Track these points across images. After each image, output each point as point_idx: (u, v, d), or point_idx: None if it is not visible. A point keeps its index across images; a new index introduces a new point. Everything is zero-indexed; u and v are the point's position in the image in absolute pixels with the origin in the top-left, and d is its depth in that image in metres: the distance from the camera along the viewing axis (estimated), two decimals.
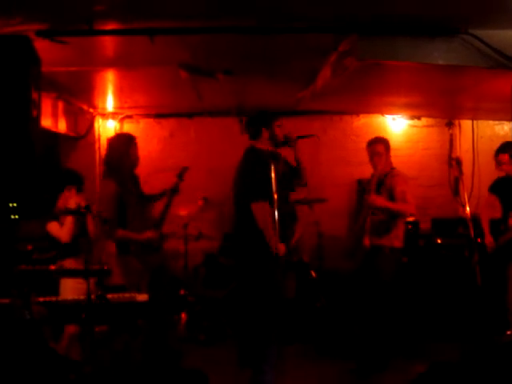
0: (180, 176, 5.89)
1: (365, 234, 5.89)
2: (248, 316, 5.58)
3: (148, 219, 5.70)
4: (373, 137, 6.23)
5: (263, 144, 5.39)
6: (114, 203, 5.31)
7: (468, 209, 5.34)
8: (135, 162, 5.64)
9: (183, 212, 5.62)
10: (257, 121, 5.47)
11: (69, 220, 5.25)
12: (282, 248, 5.04)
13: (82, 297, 4.27)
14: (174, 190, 5.81)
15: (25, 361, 3.90)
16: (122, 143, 5.64)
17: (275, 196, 4.70)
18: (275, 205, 4.68)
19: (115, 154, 5.54)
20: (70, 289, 4.99)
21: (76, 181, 5.52)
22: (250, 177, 5.35)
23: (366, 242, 5.88)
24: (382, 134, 8.36)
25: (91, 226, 5.34)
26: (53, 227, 5.36)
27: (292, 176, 5.63)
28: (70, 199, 5.25)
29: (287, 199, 5.41)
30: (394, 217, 5.84)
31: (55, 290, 5.03)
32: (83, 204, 4.88)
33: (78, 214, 4.97)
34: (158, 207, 5.85)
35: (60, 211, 5.25)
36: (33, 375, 3.84)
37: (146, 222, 5.64)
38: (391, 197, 5.83)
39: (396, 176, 5.91)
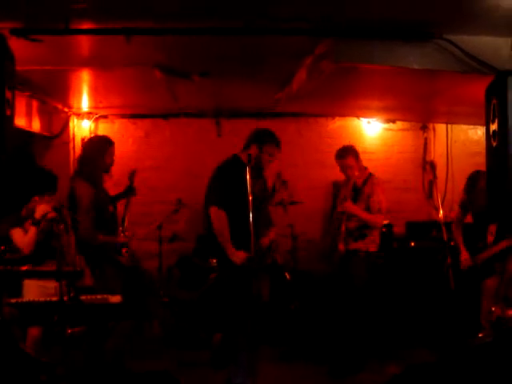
0: (130, 178, 5.93)
1: (340, 238, 5.95)
2: (220, 318, 5.60)
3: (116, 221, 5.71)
4: (341, 147, 6.25)
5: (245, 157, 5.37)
6: (92, 205, 5.29)
7: (441, 212, 5.38)
8: (110, 165, 5.64)
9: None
10: (253, 135, 5.46)
11: (32, 231, 4.94)
12: (239, 255, 5.06)
13: (53, 298, 4.23)
14: (127, 192, 5.84)
15: None
16: (100, 145, 5.62)
17: (249, 201, 4.67)
18: (246, 211, 4.65)
19: (92, 155, 5.53)
20: (34, 290, 4.88)
21: (50, 185, 5.23)
22: (215, 181, 5.39)
23: (341, 247, 5.95)
24: (357, 138, 8.51)
25: (63, 234, 5.11)
26: (16, 235, 5.06)
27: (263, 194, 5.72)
28: (39, 206, 4.99)
29: (260, 206, 5.40)
30: (370, 226, 5.93)
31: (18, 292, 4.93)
32: (50, 214, 4.78)
33: (46, 221, 4.83)
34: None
35: (25, 218, 5.01)
36: (3, 376, 3.79)
37: (116, 224, 5.65)
38: (367, 204, 5.90)
39: (375, 185, 5.99)
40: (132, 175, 5.95)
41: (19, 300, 4.21)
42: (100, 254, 5.33)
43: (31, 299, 4.35)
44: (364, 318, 5.84)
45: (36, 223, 4.85)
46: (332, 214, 6.37)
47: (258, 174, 5.37)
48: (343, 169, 6.11)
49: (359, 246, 5.95)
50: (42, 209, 4.89)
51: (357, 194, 6.01)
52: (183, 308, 7.18)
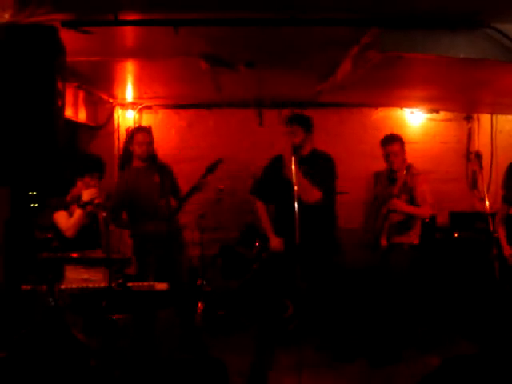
0: (211, 169, 5.92)
1: (382, 233, 5.94)
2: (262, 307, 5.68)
3: (162, 211, 5.77)
4: (388, 134, 6.24)
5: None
6: (118, 194, 5.40)
7: (487, 203, 5.33)
8: (144, 153, 5.72)
9: None
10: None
11: (78, 213, 5.00)
12: (275, 242, 5.21)
13: (102, 285, 4.32)
14: (196, 188, 5.86)
15: (48, 347, 3.95)
16: (128, 134, 5.75)
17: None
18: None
19: (124, 144, 5.70)
20: (76, 277, 4.94)
21: (98, 167, 5.28)
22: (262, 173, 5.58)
23: (384, 242, 5.93)
24: (400, 128, 8.45)
25: (101, 221, 5.16)
26: (60, 218, 5.10)
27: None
28: (86, 190, 5.02)
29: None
30: (413, 217, 5.89)
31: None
32: (97, 199, 4.84)
33: (93, 205, 4.89)
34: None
35: (73, 201, 5.07)
36: (55, 361, 3.89)
37: (157, 213, 5.72)
38: (411, 196, 5.87)
39: (416, 175, 5.95)
40: (214, 166, 5.96)
41: (70, 286, 4.29)
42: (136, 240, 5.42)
43: (80, 286, 4.45)
44: (406, 309, 5.84)
45: (82, 206, 4.90)
46: (374, 207, 6.32)
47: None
48: (387, 156, 6.07)
49: (402, 240, 5.94)
50: (89, 192, 4.93)
51: (393, 185, 5.98)
52: (225, 297, 7.24)
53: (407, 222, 5.91)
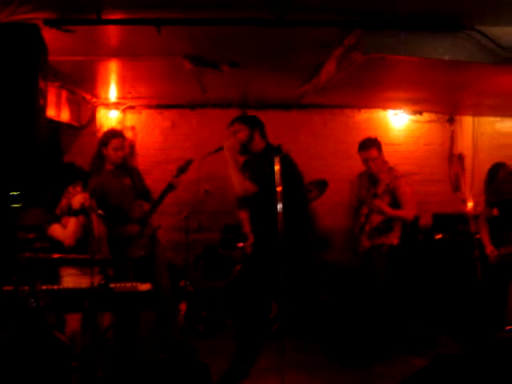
0: (183, 169, 5.90)
1: (364, 234, 5.97)
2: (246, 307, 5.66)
3: (135, 213, 5.76)
4: (363, 139, 6.25)
5: None
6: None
7: (469, 204, 5.35)
8: (119, 157, 5.69)
9: None
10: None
11: (72, 222, 4.93)
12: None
13: (84, 285, 4.29)
14: (170, 186, 5.85)
15: (29, 348, 3.93)
16: (103, 138, 5.72)
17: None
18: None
19: (97, 148, 5.66)
20: (70, 278, 4.92)
21: (80, 176, 5.20)
22: None
23: (366, 243, 5.96)
24: (383, 129, 8.51)
25: (95, 223, 5.12)
26: (56, 231, 5.03)
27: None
28: (75, 198, 4.93)
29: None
30: (393, 219, 5.92)
31: (57, 279, 4.99)
32: (87, 202, 4.81)
33: (83, 213, 4.86)
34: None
35: (63, 213, 5.00)
36: (37, 362, 3.86)
37: (130, 215, 5.71)
38: (394, 198, 5.90)
39: (399, 178, 5.97)
40: (185, 166, 5.95)
41: (52, 287, 4.26)
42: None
43: (67, 286, 4.42)
44: (389, 310, 5.86)
45: (74, 214, 4.86)
46: (357, 209, 6.34)
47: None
48: (366, 161, 6.10)
49: (383, 241, 5.96)
50: (77, 199, 4.89)
51: (375, 186, 6.00)
52: (208, 298, 7.22)
53: (388, 224, 5.93)
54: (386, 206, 5.88)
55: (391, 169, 6.04)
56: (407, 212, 5.93)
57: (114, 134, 5.79)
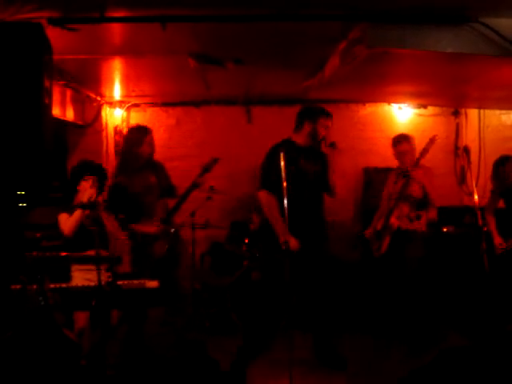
0: (207, 168, 5.91)
1: (392, 215, 6.00)
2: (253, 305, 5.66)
3: (159, 211, 5.77)
4: (397, 134, 6.47)
5: (302, 138, 5.44)
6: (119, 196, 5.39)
7: (476, 197, 5.34)
8: (150, 154, 5.70)
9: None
10: (302, 113, 5.52)
11: (77, 213, 4.97)
12: (294, 243, 5.08)
13: (92, 283, 4.30)
14: (195, 185, 5.85)
15: (38, 347, 3.94)
16: (137, 136, 5.71)
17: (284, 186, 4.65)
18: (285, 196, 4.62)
19: (130, 146, 5.64)
20: (81, 276, 4.94)
21: (92, 171, 5.19)
22: (264, 164, 5.44)
23: (393, 221, 5.98)
24: (388, 123, 8.50)
25: (105, 218, 5.17)
26: (61, 218, 5.10)
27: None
28: (84, 192, 5.00)
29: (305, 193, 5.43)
30: (424, 205, 5.96)
31: (65, 277, 5.00)
32: (93, 198, 4.84)
33: (88, 207, 4.88)
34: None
35: (76, 205, 5.00)
36: (46, 361, 3.88)
37: (154, 213, 5.71)
38: (424, 192, 6.00)
39: (427, 170, 6.16)
40: (210, 165, 5.95)
41: (60, 285, 4.27)
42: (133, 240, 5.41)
43: (75, 285, 4.43)
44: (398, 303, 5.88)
45: (82, 206, 4.89)
46: (362, 199, 6.37)
47: (314, 154, 5.42)
48: (399, 155, 6.24)
49: (416, 227, 6.04)
50: (86, 194, 4.94)
51: (407, 180, 6.05)
52: (215, 294, 7.23)
53: (418, 210, 6.01)
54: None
55: (418, 160, 6.07)
56: (434, 211, 6.05)
57: (146, 130, 5.82)
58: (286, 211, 4.55)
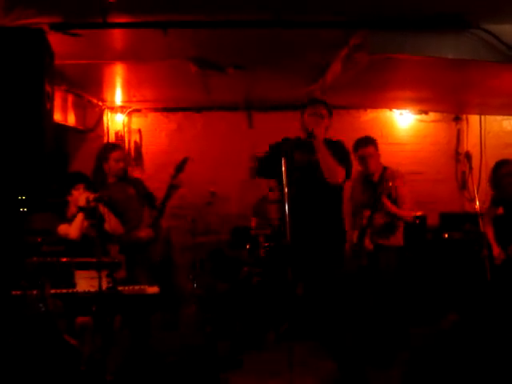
0: (179, 168, 5.90)
1: (366, 237, 5.88)
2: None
3: (146, 217, 5.77)
4: (360, 137, 6.04)
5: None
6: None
7: (477, 203, 5.33)
8: (120, 169, 5.70)
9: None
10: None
11: (79, 216, 4.97)
12: None
13: (93, 289, 4.29)
14: (172, 187, 5.84)
15: (38, 352, 3.93)
16: (101, 152, 5.73)
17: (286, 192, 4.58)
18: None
19: (97, 162, 5.67)
20: (84, 282, 4.91)
21: (81, 180, 5.25)
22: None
23: (368, 243, 5.87)
24: (389, 129, 8.48)
25: (107, 217, 5.15)
26: (62, 228, 5.12)
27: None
28: (80, 197, 4.96)
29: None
30: (397, 219, 5.84)
31: (65, 283, 4.99)
32: (91, 197, 4.83)
33: (89, 208, 4.87)
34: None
35: (72, 215, 5.03)
36: (46, 367, 3.87)
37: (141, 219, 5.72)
38: (391, 198, 5.80)
39: (397, 178, 5.81)
40: (181, 165, 5.95)
41: (60, 291, 4.26)
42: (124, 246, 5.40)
43: (76, 290, 4.42)
44: (395, 311, 5.83)
45: (81, 209, 4.89)
46: (353, 213, 6.23)
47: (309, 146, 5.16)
48: (362, 159, 5.92)
49: (389, 242, 5.88)
50: (82, 197, 4.92)
51: (370, 187, 5.91)
52: (215, 299, 7.22)
53: (391, 224, 5.85)
54: (392, 205, 5.77)
55: (386, 168, 5.95)
56: (407, 212, 5.83)
57: (113, 146, 5.83)
58: (287, 218, 4.51)
